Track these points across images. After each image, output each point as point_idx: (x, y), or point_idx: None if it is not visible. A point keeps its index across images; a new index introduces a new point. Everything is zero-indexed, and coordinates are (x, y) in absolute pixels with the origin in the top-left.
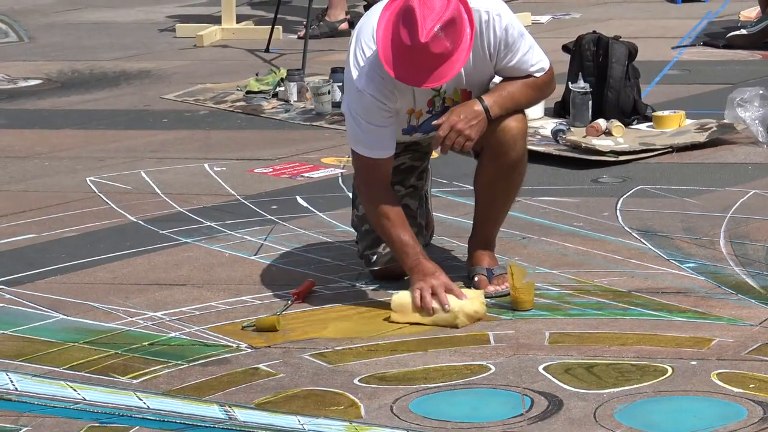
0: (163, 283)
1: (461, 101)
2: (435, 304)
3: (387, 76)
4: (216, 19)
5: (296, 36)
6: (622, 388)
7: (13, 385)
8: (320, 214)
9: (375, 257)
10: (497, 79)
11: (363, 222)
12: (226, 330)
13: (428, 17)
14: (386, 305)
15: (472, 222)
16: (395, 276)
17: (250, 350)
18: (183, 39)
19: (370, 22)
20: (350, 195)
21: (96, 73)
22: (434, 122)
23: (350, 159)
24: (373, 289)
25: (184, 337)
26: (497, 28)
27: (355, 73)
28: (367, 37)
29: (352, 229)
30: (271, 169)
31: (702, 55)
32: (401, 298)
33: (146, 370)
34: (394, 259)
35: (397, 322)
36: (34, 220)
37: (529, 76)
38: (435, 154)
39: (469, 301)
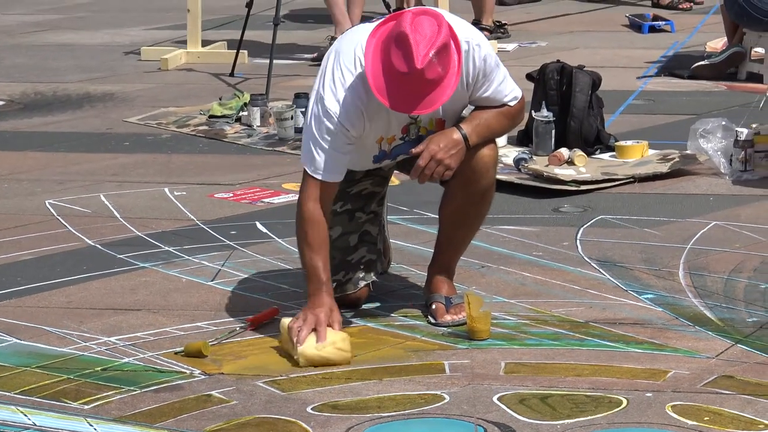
0: (118, 307)
1: (435, 131)
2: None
3: (364, 105)
4: (182, 44)
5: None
6: (577, 420)
7: None
8: (279, 241)
9: (334, 285)
10: (469, 107)
11: None
12: (179, 356)
13: (421, 43)
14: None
15: (431, 250)
16: (351, 302)
17: (203, 377)
18: (148, 62)
19: (351, 46)
20: None
21: (59, 96)
22: (413, 150)
23: None
24: None
25: (138, 362)
26: (477, 58)
27: (330, 97)
28: (348, 61)
29: None
30: (231, 194)
31: (667, 85)
32: (284, 322)
33: (98, 396)
34: (351, 286)
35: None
36: None
37: (503, 105)
38: (396, 181)
39: (318, 346)
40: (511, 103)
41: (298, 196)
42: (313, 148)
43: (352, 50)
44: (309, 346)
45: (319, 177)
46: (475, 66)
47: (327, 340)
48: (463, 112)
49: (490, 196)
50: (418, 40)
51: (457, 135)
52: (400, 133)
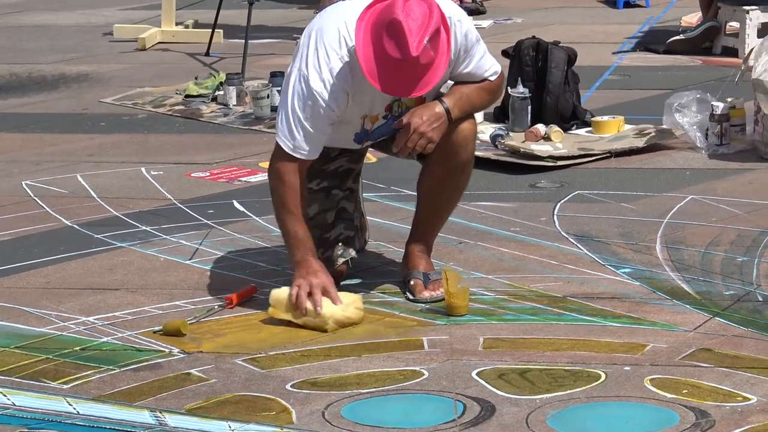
0: (96, 287)
1: (416, 106)
2: (309, 305)
3: (349, 86)
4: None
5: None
6: (555, 394)
7: None
8: (257, 219)
9: None
10: (449, 83)
11: None
12: (158, 335)
13: (414, 29)
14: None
15: (409, 227)
16: None
17: (182, 355)
18: (123, 42)
19: (335, 24)
20: None
21: (34, 77)
22: (394, 124)
23: None
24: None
25: (116, 342)
26: (458, 34)
27: (314, 77)
28: (332, 40)
29: None
30: (208, 174)
31: (642, 60)
32: (279, 293)
33: (77, 375)
34: (328, 264)
35: (274, 317)
36: None
37: (484, 80)
38: (373, 159)
39: (343, 307)
40: (492, 78)
41: (269, 169)
42: (294, 127)
43: (335, 29)
44: (336, 310)
45: (299, 155)
46: (456, 42)
47: (345, 301)
48: (443, 87)
49: (468, 170)
50: (412, 26)
51: (439, 108)
52: (384, 111)
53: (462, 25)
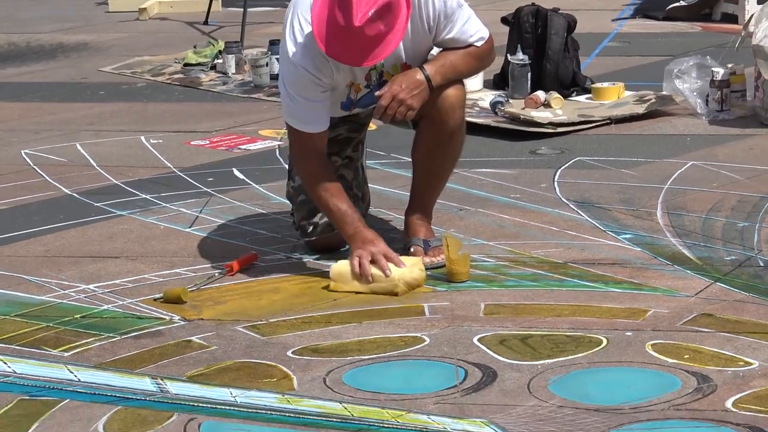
0: (96, 255)
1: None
2: (375, 271)
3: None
4: None
5: None
6: (557, 360)
7: None
8: (256, 186)
9: (311, 228)
10: (436, 49)
11: (298, 193)
12: (159, 302)
13: (364, 1)
14: (322, 276)
15: (409, 194)
16: (330, 247)
17: (183, 323)
18: (119, 13)
19: None
20: (286, 167)
21: (33, 46)
22: (376, 93)
23: (287, 131)
24: (308, 261)
25: (117, 309)
26: (436, 0)
27: (291, 47)
28: (305, 10)
29: (288, 201)
30: (208, 142)
31: (642, 27)
32: (340, 266)
33: (78, 343)
34: (329, 229)
35: (337, 291)
36: None
37: (470, 46)
38: (373, 126)
39: (409, 269)
40: (478, 44)
41: (290, 154)
42: (294, 104)
43: (311, 2)
44: (404, 272)
45: (309, 129)
46: (435, 8)
47: (408, 264)
48: (433, 52)
49: (459, 137)
50: None
51: (419, 75)
52: (364, 80)
53: None
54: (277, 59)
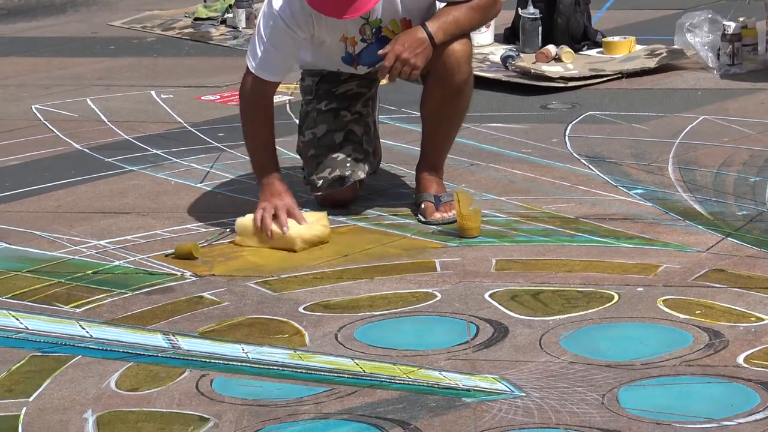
0: (107, 211)
1: (402, 31)
2: (274, 227)
3: (306, 6)
4: None
5: None
6: (568, 315)
7: None
8: None
9: (320, 182)
10: (440, 4)
11: (308, 148)
12: (170, 258)
13: None
14: (333, 231)
15: (420, 149)
16: (340, 202)
17: (194, 278)
18: None
19: None
20: (297, 122)
21: (43, 1)
22: (379, 52)
23: (298, 86)
24: None
25: (129, 265)
26: None
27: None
28: None
29: (298, 156)
30: (218, 96)
31: None
32: (244, 220)
33: (89, 299)
34: (337, 184)
35: (242, 245)
36: None
37: None
38: (384, 81)
39: (308, 226)
40: None
41: (239, 90)
42: (258, 47)
43: None
44: (302, 229)
45: (262, 76)
46: None
47: (310, 220)
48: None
49: (466, 92)
50: None
51: (422, 34)
52: (359, 34)
53: None
54: None
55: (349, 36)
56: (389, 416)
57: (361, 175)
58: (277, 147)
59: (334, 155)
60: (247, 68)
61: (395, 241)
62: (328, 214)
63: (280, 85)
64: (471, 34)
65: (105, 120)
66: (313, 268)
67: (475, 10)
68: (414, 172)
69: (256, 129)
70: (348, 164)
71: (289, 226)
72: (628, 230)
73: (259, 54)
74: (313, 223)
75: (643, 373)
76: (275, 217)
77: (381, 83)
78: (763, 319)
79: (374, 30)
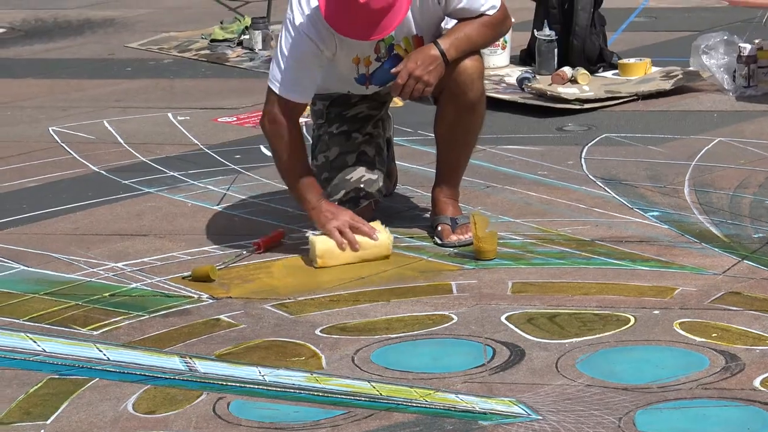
0: (124, 233)
1: (414, 48)
2: (361, 239)
3: (329, 26)
4: None
5: None
6: (584, 338)
7: None
8: None
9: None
10: (450, 22)
11: (322, 171)
12: (187, 280)
13: None
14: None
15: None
16: None
17: (211, 301)
18: None
19: None
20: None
21: (60, 22)
22: (392, 70)
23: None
24: None
25: (146, 287)
26: None
27: (298, 17)
28: None
29: None
30: (235, 118)
31: (669, 1)
32: (324, 243)
33: (107, 322)
34: (352, 206)
35: (325, 267)
36: None
37: (482, 15)
38: (399, 103)
39: (385, 232)
40: (490, 12)
41: (262, 116)
42: (283, 69)
43: None
44: (388, 235)
45: (289, 97)
46: None
47: (378, 227)
48: (447, 25)
49: (479, 110)
50: None
51: (434, 51)
52: (374, 53)
53: None
54: None
55: (364, 56)
56: None
57: (376, 195)
58: None
59: (348, 177)
60: (270, 94)
61: (411, 264)
62: None
63: None
64: (487, 56)
65: (122, 142)
66: (330, 291)
67: (486, 26)
68: (430, 194)
69: (293, 154)
70: (362, 185)
71: (375, 236)
72: (644, 253)
73: (285, 75)
74: (381, 229)
75: (660, 397)
76: (353, 230)
77: (397, 104)
78: None
79: (387, 47)
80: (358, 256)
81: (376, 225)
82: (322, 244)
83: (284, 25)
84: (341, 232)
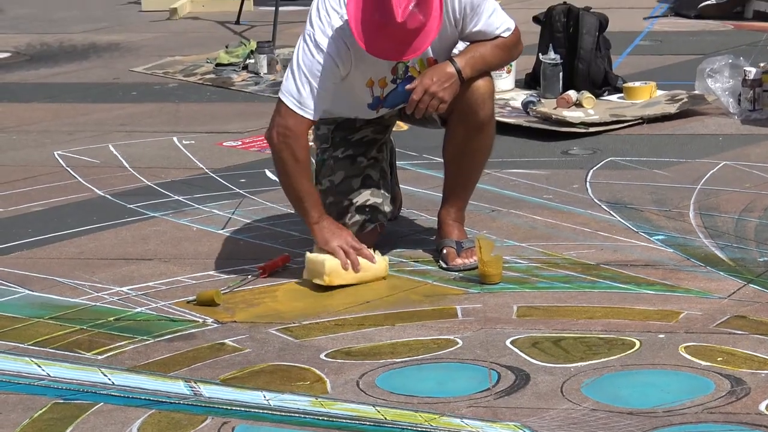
0: (129, 257)
1: None
2: (362, 260)
3: (351, 45)
4: None
5: None
6: (590, 362)
7: None
8: None
9: None
10: (461, 44)
11: (327, 196)
12: (192, 305)
13: None
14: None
15: (441, 195)
16: None
17: (216, 325)
18: (153, 12)
19: None
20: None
21: (65, 46)
22: (407, 86)
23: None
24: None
25: (150, 312)
26: None
27: (318, 34)
28: (334, 1)
29: None
30: (240, 143)
31: (673, 25)
32: (332, 260)
33: (111, 346)
34: (358, 229)
35: (331, 285)
36: (1, 195)
37: (496, 38)
38: (404, 126)
39: (381, 256)
40: (505, 35)
41: (269, 130)
42: (300, 83)
43: None
44: (380, 257)
45: (303, 112)
46: (460, 2)
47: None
48: (458, 47)
49: (489, 130)
50: None
51: (450, 68)
52: (390, 74)
53: None
54: None
55: (379, 77)
56: None
57: (381, 219)
58: None
59: (353, 201)
60: (281, 106)
61: (416, 288)
62: None
63: None
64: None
65: (127, 166)
66: (335, 315)
67: (500, 47)
68: (435, 218)
69: (300, 168)
70: (367, 209)
71: (374, 260)
72: (650, 276)
73: (302, 91)
74: (380, 258)
75: (665, 421)
76: (355, 250)
77: (402, 128)
78: None
79: (404, 69)
80: (359, 277)
81: (376, 253)
82: (331, 261)
83: (302, 38)
84: (346, 252)
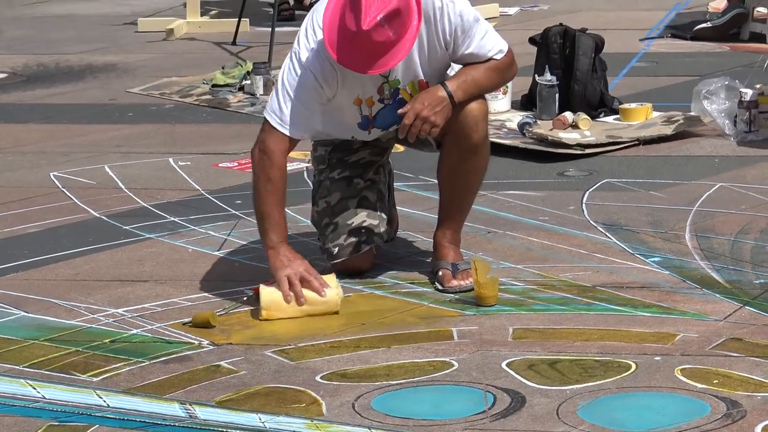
0: (125, 279)
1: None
2: (308, 294)
3: (333, 61)
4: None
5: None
6: (585, 385)
7: None
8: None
9: (336, 249)
10: (455, 67)
11: (323, 217)
12: (188, 326)
13: (373, 5)
14: (350, 300)
15: (437, 216)
16: (356, 270)
17: (212, 347)
18: (149, 33)
19: (327, 3)
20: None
21: (62, 67)
22: (399, 111)
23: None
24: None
25: (146, 334)
26: (451, 15)
27: (303, 52)
28: (319, 15)
29: (313, 226)
30: (236, 164)
31: (669, 47)
32: (269, 294)
33: (107, 368)
34: (354, 251)
35: (270, 320)
36: None
37: (489, 60)
38: (400, 148)
39: (336, 287)
40: (498, 57)
41: (254, 147)
42: (283, 101)
43: (324, 7)
44: (338, 292)
45: (285, 131)
46: (451, 23)
47: (332, 283)
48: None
49: (483, 152)
50: (371, 2)
51: (441, 92)
52: (377, 93)
53: (455, 5)
54: None
55: (366, 96)
56: None
57: (377, 240)
58: (294, 215)
59: (349, 222)
60: (266, 124)
61: (412, 310)
62: (344, 282)
63: (298, 153)
64: (488, 101)
65: (123, 187)
66: (330, 337)
67: (493, 70)
68: (431, 239)
69: (270, 189)
70: (363, 231)
71: (323, 292)
72: (646, 299)
73: (284, 108)
74: (337, 285)
75: None
76: (302, 281)
77: (398, 150)
78: None
79: (392, 90)
80: (303, 310)
81: (330, 279)
82: (267, 295)
83: (289, 57)
84: (291, 283)
